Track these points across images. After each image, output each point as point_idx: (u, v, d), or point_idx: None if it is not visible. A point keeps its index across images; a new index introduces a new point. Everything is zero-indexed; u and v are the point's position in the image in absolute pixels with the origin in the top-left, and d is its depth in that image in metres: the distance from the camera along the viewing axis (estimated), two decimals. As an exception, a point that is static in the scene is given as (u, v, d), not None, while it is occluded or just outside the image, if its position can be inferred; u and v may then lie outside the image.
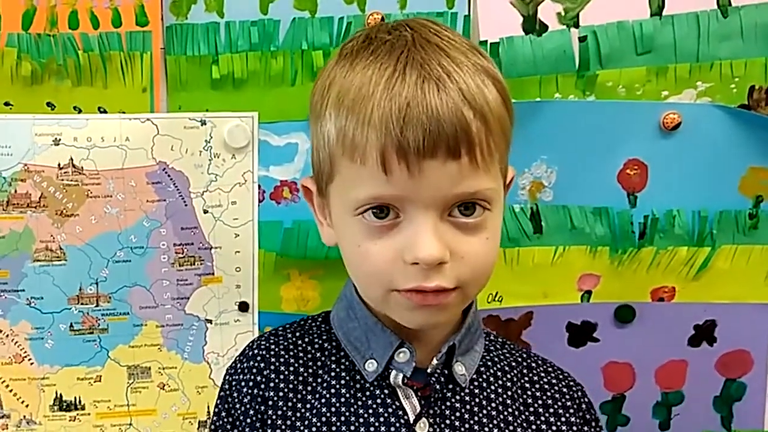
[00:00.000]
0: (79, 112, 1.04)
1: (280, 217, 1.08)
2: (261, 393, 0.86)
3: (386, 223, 0.76)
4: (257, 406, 0.85)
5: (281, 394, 0.86)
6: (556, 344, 1.13)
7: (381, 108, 0.72)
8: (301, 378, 0.87)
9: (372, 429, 0.83)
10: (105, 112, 1.04)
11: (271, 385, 0.86)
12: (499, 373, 0.89)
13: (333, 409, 0.84)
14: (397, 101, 0.72)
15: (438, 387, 0.84)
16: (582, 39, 1.06)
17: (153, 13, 1.03)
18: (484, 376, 0.88)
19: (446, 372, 0.85)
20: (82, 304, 1.07)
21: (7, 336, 1.07)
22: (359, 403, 0.84)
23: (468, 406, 0.85)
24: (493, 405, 0.87)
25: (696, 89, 1.07)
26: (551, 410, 0.89)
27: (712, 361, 1.16)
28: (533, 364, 0.92)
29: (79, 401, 1.09)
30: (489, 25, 1.05)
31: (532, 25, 1.06)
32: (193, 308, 1.09)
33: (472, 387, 0.87)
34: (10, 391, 1.08)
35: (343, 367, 0.87)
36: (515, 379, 0.90)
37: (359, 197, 0.75)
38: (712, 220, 1.10)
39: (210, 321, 1.10)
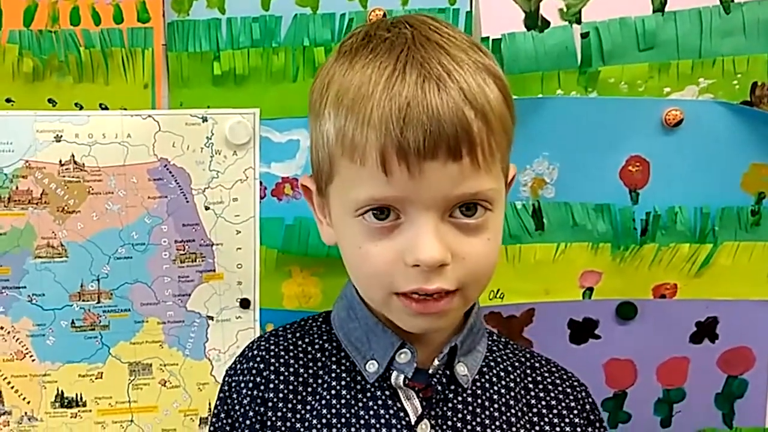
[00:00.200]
0: (81, 108, 1.04)
1: (281, 214, 1.08)
2: (261, 394, 0.85)
3: (387, 225, 0.75)
4: (257, 408, 0.85)
5: (281, 395, 0.85)
6: (558, 341, 1.13)
7: (381, 108, 0.72)
8: (301, 379, 0.86)
9: (373, 431, 0.82)
10: (106, 108, 1.04)
11: (271, 386, 0.86)
12: (502, 374, 0.89)
13: (333, 411, 0.84)
14: (397, 101, 0.71)
15: (440, 388, 0.83)
16: (584, 35, 1.06)
17: (154, 10, 1.02)
18: (487, 377, 0.88)
19: (448, 373, 0.85)
20: (83, 300, 1.07)
21: (9, 333, 1.07)
22: (360, 404, 0.84)
23: (470, 408, 0.85)
24: (496, 406, 0.86)
25: (698, 86, 1.07)
26: (555, 411, 0.88)
27: (713, 358, 1.16)
28: (536, 364, 0.92)
29: (81, 398, 1.09)
30: (491, 21, 1.05)
31: (534, 21, 1.05)
32: (195, 305, 1.09)
33: (474, 388, 0.86)
34: (12, 387, 1.08)
35: (343, 368, 0.86)
36: (518, 380, 0.89)
37: (359, 198, 0.75)
38: (714, 216, 1.10)
39: (211, 318, 1.10)
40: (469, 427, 0.84)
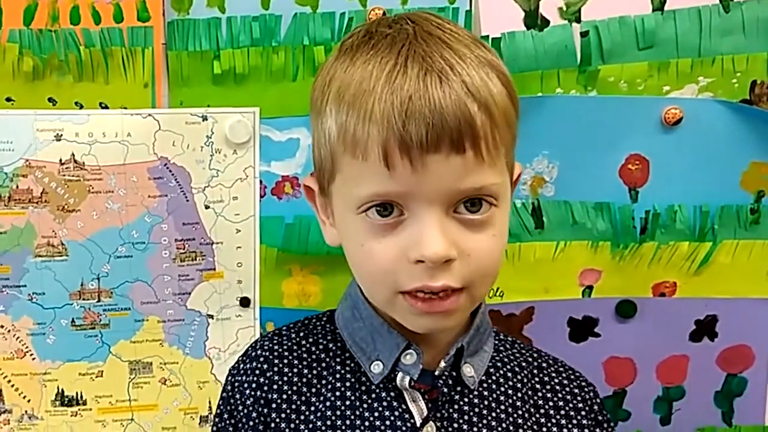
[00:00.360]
0: (81, 107, 1.04)
1: (281, 213, 1.08)
2: (264, 395, 0.84)
3: (390, 221, 0.74)
4: (260, 409, 0.84)
5: (285, 396, 0.84)
6: (557, 339, 1.13)
7: (382, 102, 0.71)
8: (305, 380, 0.85)
9: None
10: (106, 107, 1.04)
11: (275, 387, 0.85)
12: (509, 374, 0.87)
13: (338, 412, 0.83)
14: (399, 95, 0.70)
15: (446, 390, 0.82)
16: (584, 34, 1.06)
17: (154, 9, 1.02)
18: (494, 378, 0.86)
19: (454, 374, 0.84)
20: (83, 299, 1.07)
21: (9, 331, 1.07)
22: (365, 405, 0.83)
23: (477, 409, 0.84)
24: (503, 407, 0.85)
25: (698, 84, 1.07)
26: (563, 412, 0.87)
27: (713, 356, 1.16)
28: (544, 364, 0.91)
29: (81, 396, 1.09)
30: (490, 19, 1.05)
31: (534, 20, 1.06)
32: (195, 303, 1.09)
33: (481, 389, 0.85)
34: (12, 386, 1.08)
35: (348, 368, 0.85)
36: (525, 380, 0.88)
37: (362, 194, 0.74)
38: (714, 215, 1.10)
39: (211, 316, 1.10)
40: (475, 429, 0.83)
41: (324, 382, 0.85)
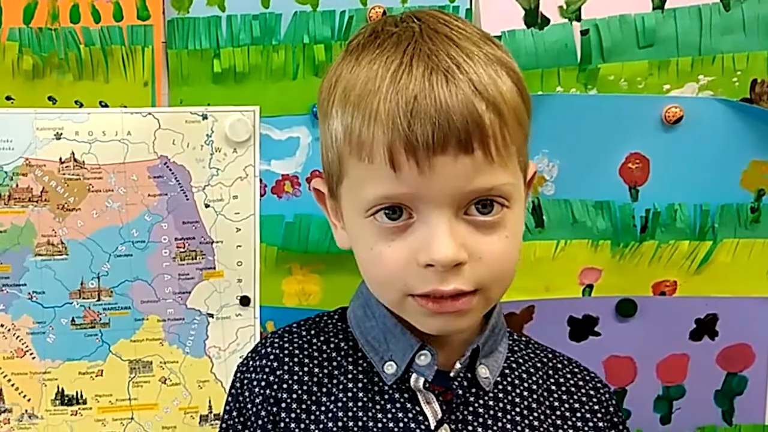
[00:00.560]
0: (81, 106, 1.04)
1: (281, 211, 1.08)
2: (273, 394, 0.82)
3: (399, 224, 0.73)
4: (269, 407, 0.82)
5: (295, 395, 0.82)
6: (558, 338, 1.13)
7: (387, 102, 0.69)
8: (315, 379, 0.83)
9: None
10: (106, 106, 1.04)
11: (285, 386, 0.83)
12: (524, 375, 0.86)
13: (350, 414, 0.81)
14: (404, 95, 0.69)
15: (461, 391, 0.81)
16: (584, 32, 1.06)
17: (154, 7, 1.02)
18: (509, 379, 0.85)
19: (469, 375, 0.82)
20: (83, 298, 1.07)
21: (9, 330, 1.07)
22: (377, 407, 0.81)
23: (492, 411, 0.82)
24: (518, 409, 0.83)
25: (698, 83, 1.07)
26: (578, 414, 0.85)
27: (713, 355, 1.16)
28: (559, 365, 0.89)
29: (81, 395, 1.09)
30: (490, 18, 1.05)
31: (534, 19, 1.06)
32: (195, 302, 1.09)
33: (496, 391, 0.83)
34: (12, 385, 1.08)
35: (360, 368, 0.83)
36: (541, 381, 0.86)
37: (369, 197, 0.72)
38: (714, 213, 1.10)
39: (211, 315, 1.10)
40: (490, 431, 0.81)
41: (335, 381, 0.83)
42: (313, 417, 0.81)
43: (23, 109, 1.03)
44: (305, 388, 0.83)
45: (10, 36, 1.01)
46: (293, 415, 0.82)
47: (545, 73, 1.06)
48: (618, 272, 1.12)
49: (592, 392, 0.87)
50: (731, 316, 1.14)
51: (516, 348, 0.88)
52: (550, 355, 0.90)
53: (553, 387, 0.87)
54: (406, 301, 0.75)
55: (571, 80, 1.07)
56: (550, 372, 0.88)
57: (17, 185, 1.04)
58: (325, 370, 0.84)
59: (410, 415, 0.80)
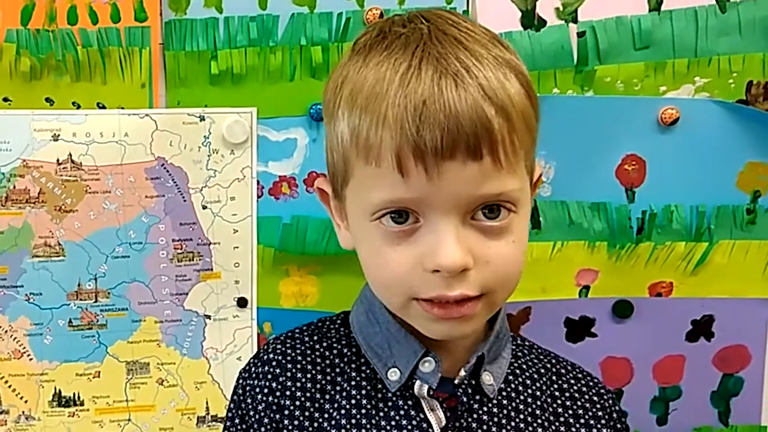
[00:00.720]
0: (78, 107, 1.04)
1: (278, 213, 1.08)
2: (276, 401, 0.81)
3: (405, 228, 0.72)
4: (272, 415, 0.81)
5: (298, 403, 0.81)
6: (554, 339, 1.13)
7: (396, 107, 0.68)
8: (318, 386, 0.82)
9: None
10: (104, 107, 1.04)
11: (288, 393, 0.81)
12: (528, 382, 0.85)
13: (353, 421, 0.80)
14: (413, 99, 0.68)
15: (465, 399, 0.80)
16: (580, 34, 1.06)
17: (152, 9, 1.03)
18: (513, 385, 0.84)
19: (473, 382, 0.81)
20: (80, 299, 1.07)
21: (6, 332, 1.07)
22: (381, 414, 0.80)
23: (496, 419, 0.81)
24: (522, 416, 0.82)
25: (694, 84, 1.07)
26: (582, 421, 0.85)
27: (709, 356, 1.16)
28: (562, 371, 0.89)
29: (78, 397, 1.09)
30: (487, 19, 1.04)
31: (531, 20, 1.06)
32: (192, 304, 1.09)
33: (500, 397, 0.82)
34: (9, 386, 1.08)
35: (363, 375, 0.82)
36: (544, 388, 0.86)
37: (375, 201, 0.72)
38: (710, 215, 1.10)
39: (209, 317, 1.10)
40: None
41: (338, 388, 0.82)
42: (316, 424, 0.81)
43: (20, 111, 1.03)
44: (308, 395, 0.82)
45: (8, 37, 1.01)
46: (296, 422, 0.81)
47: (542, 75, 1.06)
48: (614, 273, 1.12)
49: (595, 398, 0.87)
50: (727, 317, 1.14)
51: (519, 353, 0.88)
52: (553, 361, 0.90)
53: (557, 393, 0.86)
54: (411, 304, 0.74)
55: (567, 82, 1.07)
56: (554, 378, 0.87)
57: (14, 187, 1.04)
58: (328, 377, 0.83)
59: (414, 422, 0.79)
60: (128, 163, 1.05)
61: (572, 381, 0.88)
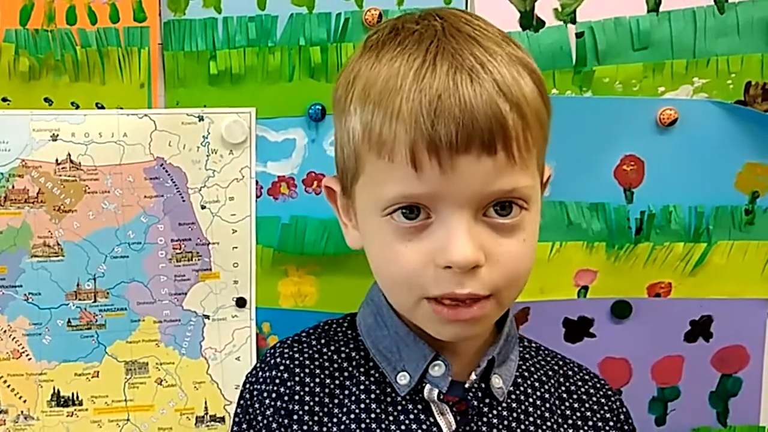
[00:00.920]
0: (77, 107, 1.04)
1: (277, 213, 1.08)
2: (284, 406, 0.80)
3: (417, 224, 0.71)
4: (280, 419, 0.80)
5: (306, 407, 0.80)
6: (553, 340, 1.13)
7: (410, 101, 0.68)
8: (327, 390, 0.81)
9: None
10: (103, 107, 1.04)
11: (296, 397, 0.81)
12: (536, 384, 0.85)
13: (362, 425, 0.79)
14: (428, 93, 0.68)
15: (475, 402, 0.80)
16: (579, 35, 1.06)
17: (151, 9, 1.03)
18: (522, 388, 0.84)
19: (483, 386, 0.81)
20: (79, 299, 1.07)
21: (5, 332, 1.07)
22: (390, 418, 0.80)
23: (506, 422, 0.81)
24: (531, 419, 0.82)
25: (692, 85, 1.07)
26: (590, 423, 0.85)
27: (708, 357, 1.16)
28: (570, 372, 0.88)
29: (77, 397, 1.09)
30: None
31: (529, 21, 1.06)
32: (191, 304, 1.09)
33: (509, 400, 0.82)
34: (8, 386, 1.08)
35: (372, 379, 0.82)
36: (552, 390, 0.86)
37: (387, 196, 0.71)
38: (709, 215, 1.10)
39: (207, 317, 1.10)
40: None
41: (347, 392, 0.81)
42: (325, 429, 0.80)
43: (19, 111, 1.03)
44: (317, 399, 0.81)
45: (7, 37, 1.01)
46: (305, 428, 0.80)
47: (541, 76, 1.06)
48: (613, 274, 1.12)
49: (603, 400, 0.87)
50: (726, 317, 1.15)
51: (527, 356, 0.88)
52: (560, 363, 0.90)
53: (565, 395, 0.86)
54: (420, 304, 0.74)
55: (566, 82, 1.07)
56: (561, 380, 0.87)
57: (13, 186, 1.04)
58: (337, 381, 0.82)
59: (424, 426, 0.79)
60: (127, 163, 1.05)
61: (580, 383, 0.88)
